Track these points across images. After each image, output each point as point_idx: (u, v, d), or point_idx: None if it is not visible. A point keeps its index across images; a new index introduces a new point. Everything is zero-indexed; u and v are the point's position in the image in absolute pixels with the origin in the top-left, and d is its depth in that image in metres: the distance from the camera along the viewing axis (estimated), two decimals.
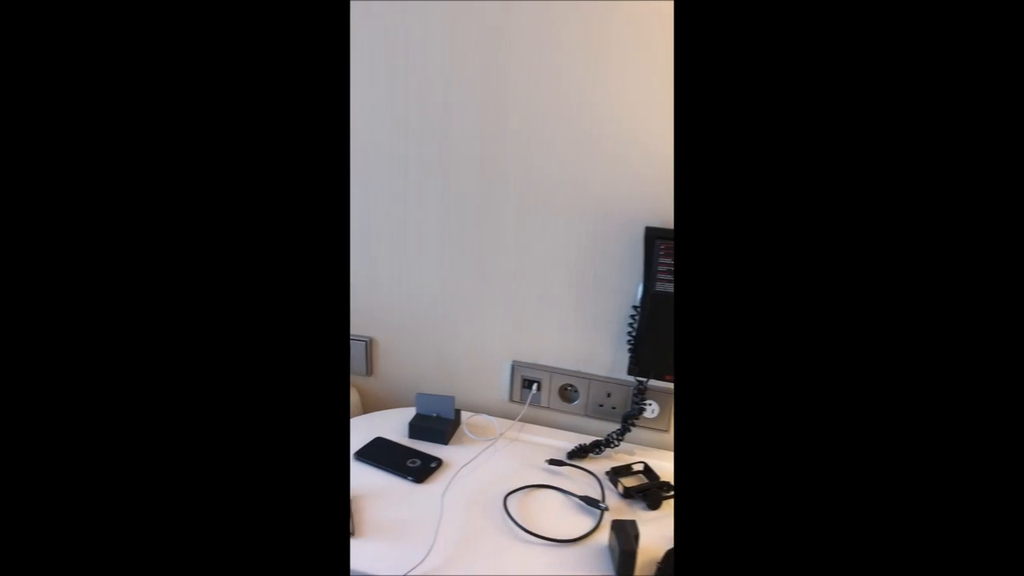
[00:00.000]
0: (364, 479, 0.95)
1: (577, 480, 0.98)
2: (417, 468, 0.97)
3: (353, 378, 1.28)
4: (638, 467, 1.01)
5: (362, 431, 1.08)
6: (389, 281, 1.19)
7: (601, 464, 1.02)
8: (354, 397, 1.25)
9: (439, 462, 1.00)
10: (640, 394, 1.02)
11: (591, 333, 1.10)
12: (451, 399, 1.09)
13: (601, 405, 1.12)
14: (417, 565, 0.77)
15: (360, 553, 0.79)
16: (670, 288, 0.94)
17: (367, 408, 1.29)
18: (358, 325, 1.24)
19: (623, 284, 1.05)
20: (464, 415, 1.15)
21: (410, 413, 1.14)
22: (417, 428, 1.07)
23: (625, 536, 0.79)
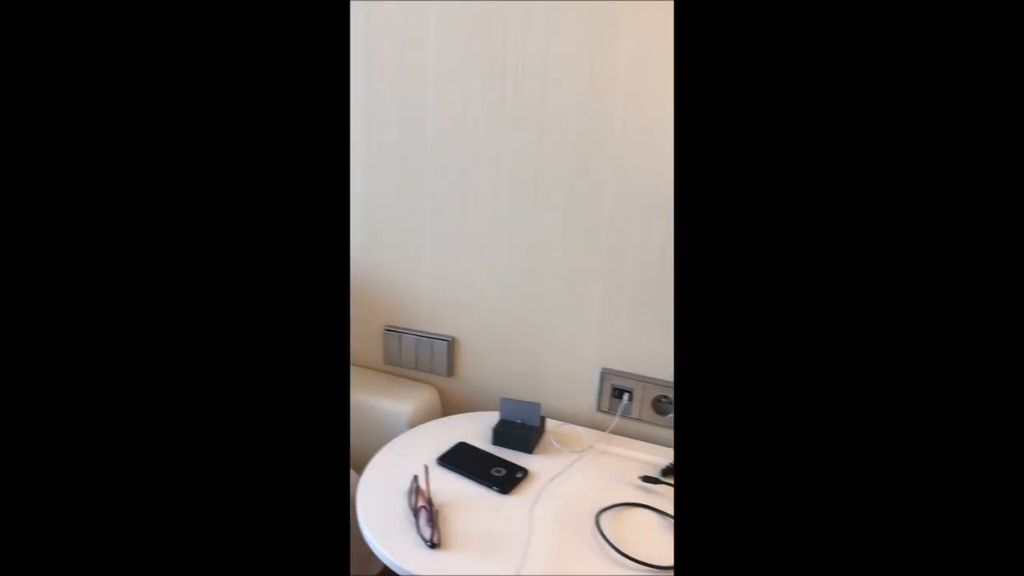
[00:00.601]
0: (448, 486, 0.91)
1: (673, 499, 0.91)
2: (502, 478, 0.92)
3: (434, 378, 1.25)
4: None
5: (443, 434, 1.05)
6: (475, 279, 1.15)
7: None
8: (434, 398, 1.22)
9: (525, 472, 0.94)
10: None
11: None
12: (537, 405, 1.04)
13: None
14: None
15: (447, 566, 0.75)
16: None
17: (447, 410, 1.26)
18: (441, 324, 1.21)
19: None
20: (549, 423, 1.10)
21: (492, 417, 1.09)
22: (501, 435, 1.02)
23: None
